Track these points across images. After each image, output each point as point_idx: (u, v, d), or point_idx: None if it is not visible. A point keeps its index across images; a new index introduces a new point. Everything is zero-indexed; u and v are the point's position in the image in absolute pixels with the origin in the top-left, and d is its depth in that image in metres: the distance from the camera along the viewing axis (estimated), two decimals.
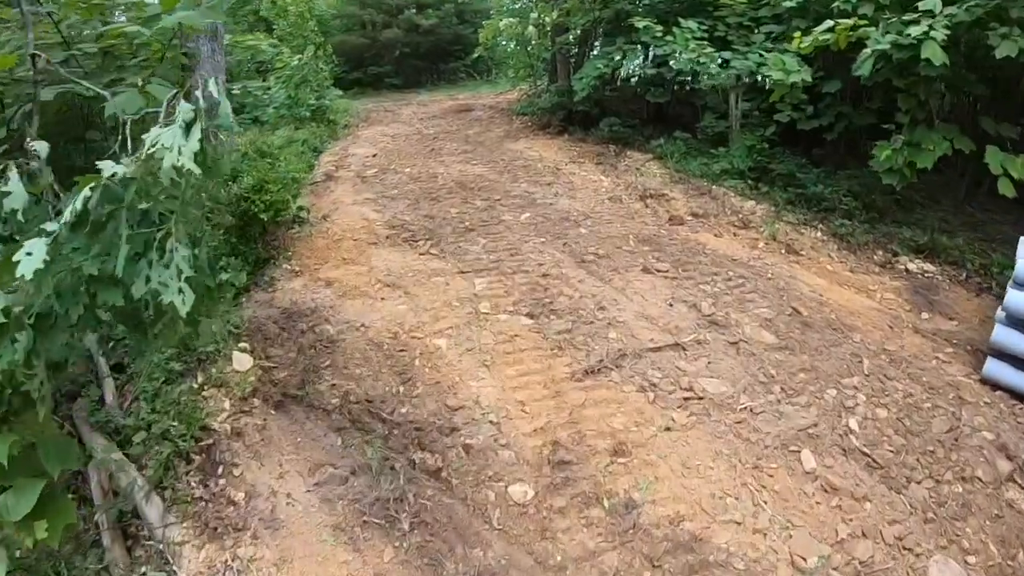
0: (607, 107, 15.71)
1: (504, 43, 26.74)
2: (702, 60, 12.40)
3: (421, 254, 9.67)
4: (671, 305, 8.23)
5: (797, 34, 10.71)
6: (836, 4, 10.45)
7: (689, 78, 14.40)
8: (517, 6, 18.01)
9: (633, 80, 16.98)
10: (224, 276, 8.25)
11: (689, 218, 11.26)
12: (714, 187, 12.37)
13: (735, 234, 10.70)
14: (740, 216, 11.27)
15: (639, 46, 14.64)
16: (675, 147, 14.07)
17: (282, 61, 17.56)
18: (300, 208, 10.92)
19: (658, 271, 9.07)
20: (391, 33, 26.81)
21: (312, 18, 19.64)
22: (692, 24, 13.12)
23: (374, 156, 15.25)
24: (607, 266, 9.20)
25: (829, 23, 9.88)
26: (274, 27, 20.45)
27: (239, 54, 15.26)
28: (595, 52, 16.90)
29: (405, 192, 12.33)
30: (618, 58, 14.39)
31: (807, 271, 9.53)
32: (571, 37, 15.90)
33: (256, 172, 9.50)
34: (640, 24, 13.20)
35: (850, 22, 9.55)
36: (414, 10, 27.74)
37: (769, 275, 9.15)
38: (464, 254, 9.57)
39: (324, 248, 10.06)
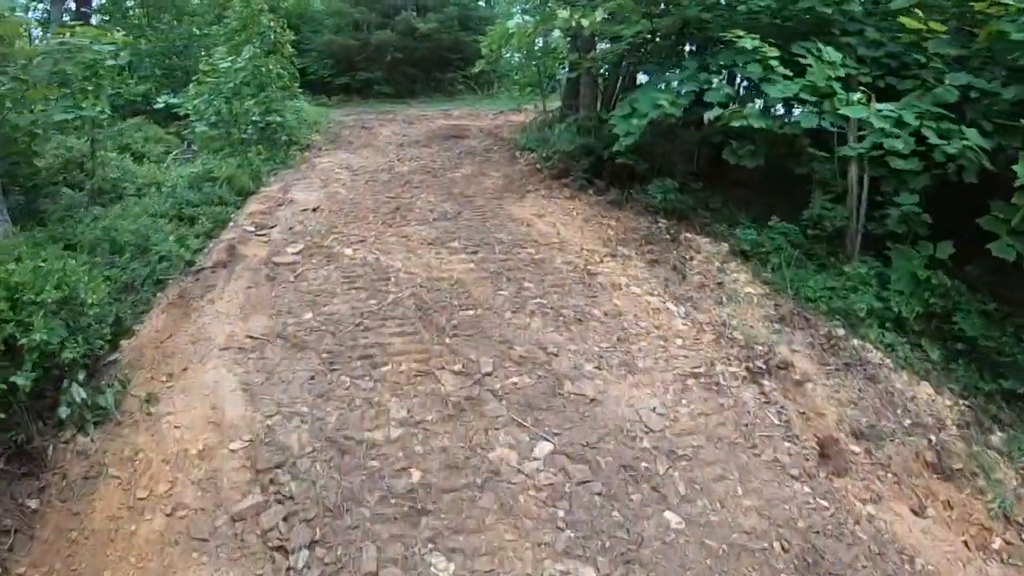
0: (657, 159, 9.02)
1: (509, 54, 20.13)
2: (878, 121, 5.87)
3: None
4: None
5: None
6: None
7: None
8: (533, 4, 11.05)
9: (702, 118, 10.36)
10: None
11: (851, 448, 5.07)
12: (858, 343, 6.20)
13: (946, 507, 4.58)
14: (932, 442, 5.07)
15: (720, 75, 8.02)
16: (768, 238, 7.59)
17: (208, 65, 10.72)
18: (94, 380, 4.80)
19: None
20: (384, 35, 20.04)
21: (266, 10, 12.82)
22: (834, 54, 6.59)
23: (314, 211, 8.70)
24: None
25: None
26: (225, 19, 13.65)
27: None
28: (639, 77, 10.31)
29: (326, 321, 5.96)
30: (686, 91, 7.77)
31: None
32: (608, 54, 9.12)
33: None
34: (746, 43, 6.61)
35: None
36: (413, 12, 20.89)
37: None
38: None
39: (96, 548, 3.64)
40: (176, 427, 4.61)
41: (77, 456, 4.47)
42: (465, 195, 9.29)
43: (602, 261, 7.21)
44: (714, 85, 7.72)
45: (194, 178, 9.46)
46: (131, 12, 17.91)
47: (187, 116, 11.50)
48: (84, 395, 4.74)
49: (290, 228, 8.07)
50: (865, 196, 7.32)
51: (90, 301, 4.89)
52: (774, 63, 6.85)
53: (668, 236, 8.13)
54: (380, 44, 19.94)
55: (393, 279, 6.52)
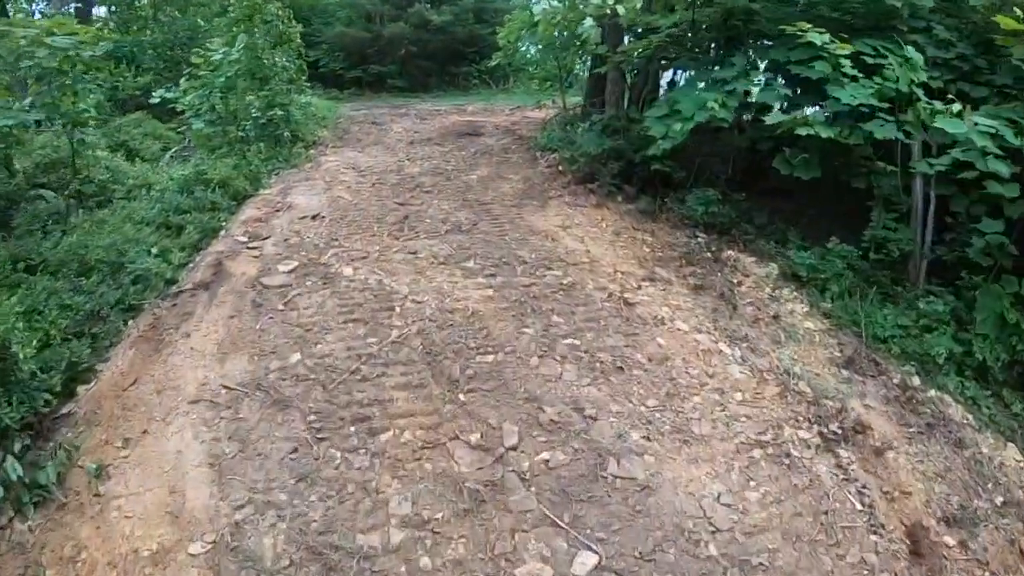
0: (694, 165, 7.88)
1: (526, 46, 18.93)
2: (979, 139, 4.76)
3: None
4: None
5: None
6: None
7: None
8: None
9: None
10: None
11: (944, 540, 4.10)
12: (936, 394, 5.28)
13: None
14: None
15: (769, 73, 6.87)
16: (825, 261, 6.45)
17: (200, 58, 9.59)
18: (38, 445, 3.86)
19: None
20: (397, 28, 18.83)
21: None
22: (915, 54, 5.44)
23: (314, 219, 7.61)
24: None
25: None
26: (228, 8, 12.49)
27: None
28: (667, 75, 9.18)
29: (317, 366, 4.88)
30: (735, 91, 6.65)
31: None
32: (640, 47, 7.94)
33: None
34: (813, 37, 5.46)
35: None
36: (427, 4, 19.68)
37: None
38: None
39: None
40: (127, 516, 3.56)
41: (13, 549, 3.44)
42: (481, 202, 8.16)
43: (639, 287, 6.09)
44: (767, 84, 6.54)
45: (185, 181, 8.38)
46: (137, 3, 16.76)
47: (185, 111, 10.42)
48: (20, 471, 3.69)
49: (285, 240, 6.98)
50: (932, 217, 6.20)
51: (24, 355, 3.82)
52: (844, 62, 5.68)
53: (709, 254, 7.01)
54: (393, 37, 18.75)
55: (398, 309, 5.42)
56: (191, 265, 6.61)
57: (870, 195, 6.88)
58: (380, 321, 5.23)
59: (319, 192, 8.70)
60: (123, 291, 5.76)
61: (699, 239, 7.28)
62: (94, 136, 9.62)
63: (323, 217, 7.66)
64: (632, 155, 8.23)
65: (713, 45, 7.89)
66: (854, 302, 6.20)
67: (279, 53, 11.87)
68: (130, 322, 5.50)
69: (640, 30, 8.12)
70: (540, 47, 12.24)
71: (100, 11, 16.91)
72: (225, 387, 4.52)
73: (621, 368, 4.82)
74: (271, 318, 5.35)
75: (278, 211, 8.03)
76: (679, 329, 5.47)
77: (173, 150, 10.67)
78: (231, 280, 6.10)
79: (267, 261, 6.46)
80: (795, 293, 6.39)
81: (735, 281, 6.45)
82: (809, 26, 5.82)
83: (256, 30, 11.38)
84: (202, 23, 15.24)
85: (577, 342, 5.03)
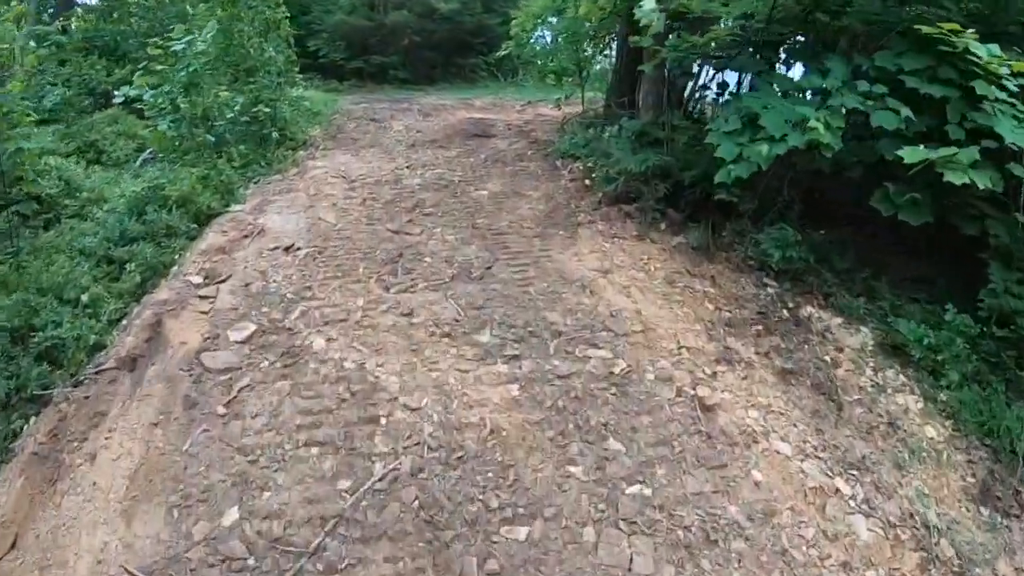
0: (758, 189, 5.97)
1: (540, 35, 16.91)
2: None
3: None
4: None
5: None
6: None
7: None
8: None
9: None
10: None
11: None
12: None
13: None
14: None
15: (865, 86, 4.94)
16: (938, 334, 4.58)
17: (158, 48, 7.57)
18: None
19: None
20: (400, 16, 16.73)
21: None
22: None
23: (287, 251, 5.79)
24: None
25: None
26: None
27: None
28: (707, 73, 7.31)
29: (260, 535, 3.06)
30: (838, 106, 4.76)
31: None
32: (699, 41, 5.99)
33: None
34: (977, 48, 3.54)
35: None
36: None
37: None
38: None
39: None
40: None
41: None
42: (495, 230, 6.30)
43: (715, 374, 4.28)
44: (874, 99, 4.65)
45: (136, 199, 6.51)
46: None
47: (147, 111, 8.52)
48: None
49: (246, 285, 5.14)
50: None
51: None
52: (1011, 86, 3.82)
53: (787, 312, 5.20)
54: (396, 26, 16.66)
55: (384, 420, 3.61)
56: (124, 323, 4.78)
57: (980, 243, 5.06)
58: (357, 445, 3.42)
59: (299, 210, 6.83)
60: (22, 376, 3.96)
61: (769, 289, 5.45)
62: (51, 140, 7.79)
63: (298, 249, 5.80)
64: (679, 174, 6.37)
65: (787, 45, 5.99)
66: (976, 394, 4.42)
67: (267, 42, 9.93)
68: (26, 426, 3.70)
69: (691, 18, 6.21)
70: (561, 35, 10.22)
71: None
72: (127, 573, 2.73)
73: (714, 540, 3.02)
74: (206, 432, 3.53)
75: (246, 237, 6.18)
76: (778, 452, 3.66)
77: (147, 152, 8.74)
78: (166, 354, 4.27)
79: (217, 322, 4.62)
80: (901, 377, 4.60)
81: (828, 359, 4.63)
82: (958, 27, 3.94)
83: (241, 16, 9.42)
84: (191, 10, 13.15)
85: (647, 491, 3.22)
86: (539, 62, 17.76)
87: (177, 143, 7.91)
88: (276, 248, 5.83)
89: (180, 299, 4.99)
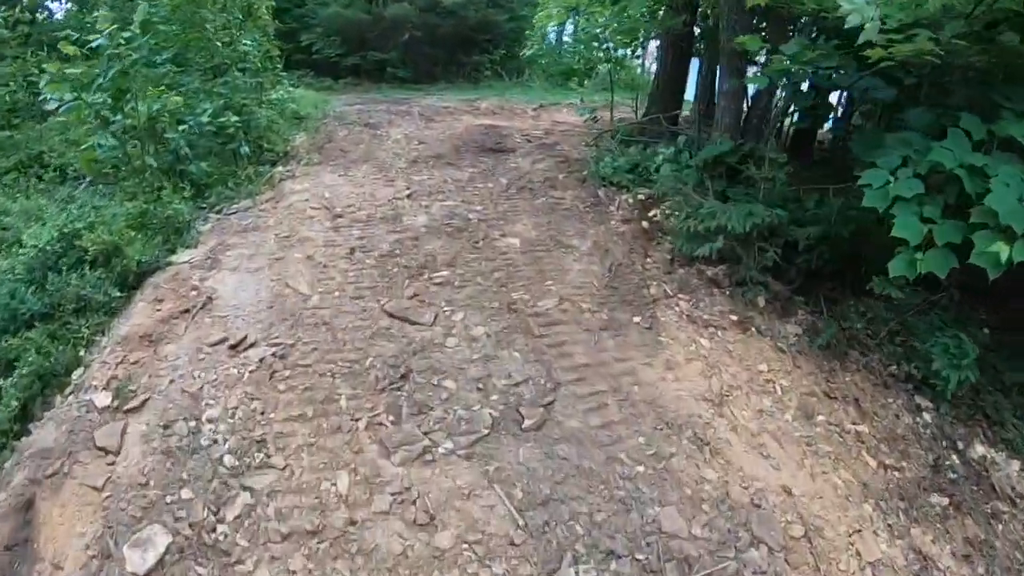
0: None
1: (553, 30, 14.74)
2: None
3: None
4: None
5: None
6: None
7: None
8: None
9: None
10: None
11: None
12: None
13: None
14: None
15: None
16: None
17: (70, 46, 5.18)
18: None
19: None
20: (401, 9, 14.33)
21: None
22: None
23: (236, 350, 3.57)
24: None
25: None
26: None
27: None
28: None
29: None
30: None
31: None
32: (827, 52, 3.79)
33: None
34: None
35: None
36: None
37: None
38: None
39: None
40: None
41: None
42: (543, 315, 4.12)
43: None
44: None
45: (41, 256, 4.31)
46: None
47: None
48: None
49: (165, 428, 3.01)
50: None
51: None
52: None
53: (955, 454, 3.16)
54: (396, 19, 14.24)
55: None
56: None
57: None
58: None
59: (263, 264, 4.65)
60: None
61: (926, 415, 3.37)
62: None
63: (251, 346, 3.64)
64: (788, 231, 4.21)
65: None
66: None
67: (243, 34, 7.67)
68: None
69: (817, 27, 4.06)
70: (609, 28, 7.96)
71: None
72: None
73: None
74: None
75: (187, 312, 4.02)
76: None
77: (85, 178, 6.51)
78: None
79: (112, 519, 2.48)
80: None
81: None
82: None
83: (204, 1, 7.14)
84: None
85: None
86: (543, 62, 15.55)
87: (113, 166, 5.67)
88: (221, 342, 3.65)
89: (68, 451, 2.84)
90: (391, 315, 3.91)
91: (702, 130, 6.26)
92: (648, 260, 4.73)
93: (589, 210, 5.75)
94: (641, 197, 6.01)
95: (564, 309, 4.06)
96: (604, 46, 8.51)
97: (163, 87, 5.59)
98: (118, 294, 4.26)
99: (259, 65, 8.06)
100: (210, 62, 7.47)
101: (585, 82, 10.53)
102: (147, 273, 4.60)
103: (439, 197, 6.21)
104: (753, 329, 3.93)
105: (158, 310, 4.09)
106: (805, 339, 3.86)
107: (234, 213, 5.93)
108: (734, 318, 4.02)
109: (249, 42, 7.78)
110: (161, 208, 5.20)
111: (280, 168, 7.33)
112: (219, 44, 7.25)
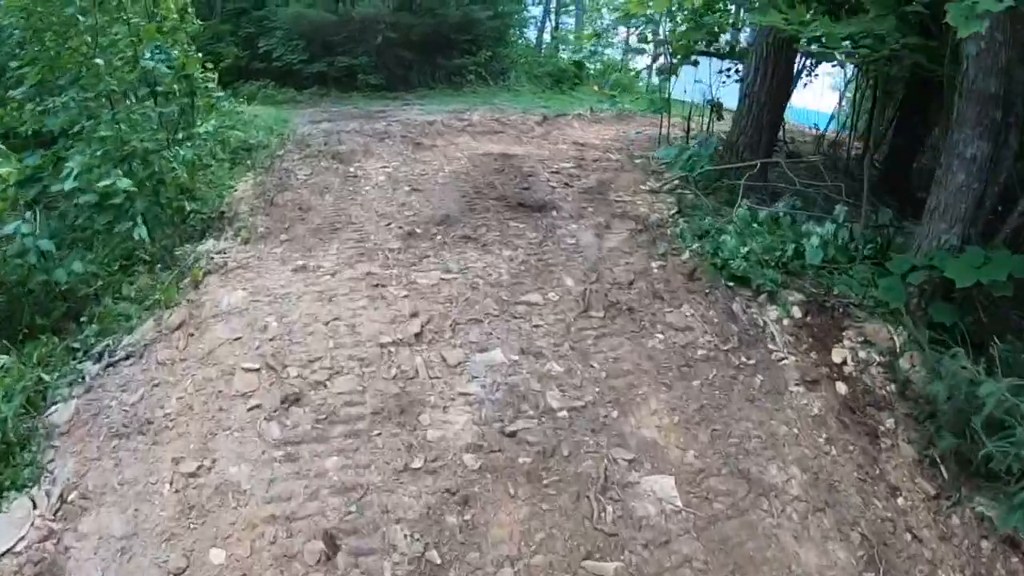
0: None
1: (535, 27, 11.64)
2: None
3: None
4: None
5: None
6: None
7: None
8: None
9: None
10: None
11: None
12: None
13: None
14: None
15: None
16: None
17: None
18: None
19: None
20: (372, 8, 10.99)
21: None
22: None
23: None
24: None
25: None
26: None
27: None
28: None
29: None
30: None
31: None
32: None
33: None
34: None
35: None
36: None
37: None
38: None
39: None
40: None
41: None
42: None
43: None
44: None
45: None
46: None
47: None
48: None
49: None
50: None
51: None
52: None
53: None
54: (366, 20, 10.83)
55: None
56: None
57: None
58: None
59: (147, 545, 1.63)
60: None
61: None
62: None
63: None
64: None
65: None
66: None
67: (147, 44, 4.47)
68: None
69: None
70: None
71: None
72: None
73: None
74: None
75: None
76: None
77: None
78: None
79: None
80: None
81: None
82: None
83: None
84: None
85: None
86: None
87: None
88: None
89: None
90: None
91: (873, 199, 3.40)
92: (902, 501, 1.92)
93: (739, 356, 2.87)
94: (798, 314, 3.16)
95: None
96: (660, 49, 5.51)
97: None
98: None
99: (175, 88, 4.84)
100: (94, 88, 4.25)
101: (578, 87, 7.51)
102: None
103: (475, 336, 3.21)
104: None
105: None
106: None
107: (119, 361, 2.91)
108: None
109: (155, 56, 4.53)
110: None
111: (209, 245, 4.24)
112: (98, 65, 4.02)
